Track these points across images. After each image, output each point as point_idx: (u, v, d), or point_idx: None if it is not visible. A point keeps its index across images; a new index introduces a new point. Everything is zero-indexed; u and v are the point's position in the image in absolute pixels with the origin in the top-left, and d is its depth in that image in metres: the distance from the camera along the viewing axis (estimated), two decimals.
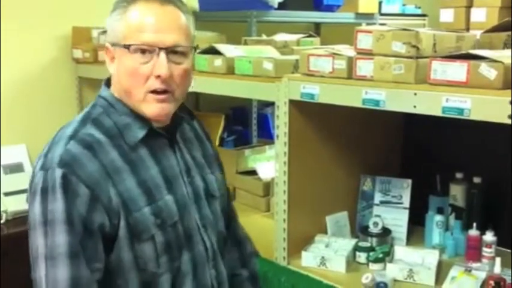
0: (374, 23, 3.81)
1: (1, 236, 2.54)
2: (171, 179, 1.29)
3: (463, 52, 1.58)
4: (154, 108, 1.24)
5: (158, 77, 1.22)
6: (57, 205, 1.15)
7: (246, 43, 2.66)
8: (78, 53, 3.14)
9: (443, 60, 1.56)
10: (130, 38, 1.22)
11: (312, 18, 3.77)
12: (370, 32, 1.73)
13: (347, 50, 1.92)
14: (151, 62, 1.22)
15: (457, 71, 1.52)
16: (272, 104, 3.67)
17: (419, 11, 4.71)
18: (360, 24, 4.02)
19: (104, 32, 2.99)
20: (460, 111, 1.51)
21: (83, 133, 1.22)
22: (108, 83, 1.33)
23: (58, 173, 1.15)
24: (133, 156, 1.24)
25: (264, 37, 2.74)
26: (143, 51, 1.21)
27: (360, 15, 3.86)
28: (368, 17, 3.90)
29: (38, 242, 1.17)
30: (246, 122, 3.53)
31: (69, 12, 3.14)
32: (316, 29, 4.12)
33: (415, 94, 1.62)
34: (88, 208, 1.16)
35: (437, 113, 1.57)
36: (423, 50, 1.63)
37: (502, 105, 1.42)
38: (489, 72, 1.45)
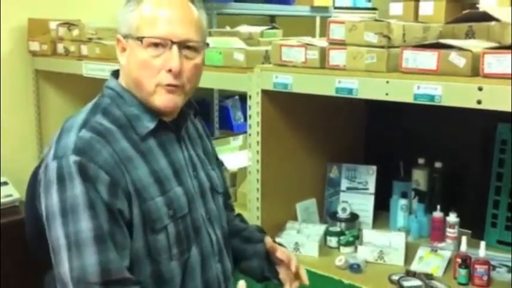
0: (329, 16, 3.90)
1: None
2: (179, 172, 1.29)
3: (433, 41, 1.65)
4: (164, 99, 1.24)
5: (169, 71, 1.21)
6: (77, 191, 1.13)
7: (210, 35, 2.67)
8: (35, 46, 3.06)
9: (415, 49, 1.63)
10: (143, 30, 1.22)
11: (270, 10, 3.84)
12: (342, 22, 1.79)
13: (316, 41, 1.97)
14: (163, 55, 1.22)
15: (428, 59, 1.59)
16: (232, 96, 3.73)
17: (370, 5, 4.84)
18: (314, 17, 4.12)
19: (63, 24, 2.95)
20: (431, 97, 1.59)
21: (94, 121, 1.22)
22: (115, 73, 1.32)
23: (74, 159, 1.14)
24: (143, 146, 1.24)
25: (228, 29, 2.75)
26: (156, 45, 1.21)
27: (315, 9, 3.95)
28: (323, 10, 3.99)
29: (57, 233, 1.14)
30: (207, 115, 3.55)
31: (24, 3, 3.05)
32: (271, 21, 4.18)
33: (387, 82, 1.68)
34: (109, 193, 1.15)
35: (409, 100, 1.64)
36: (394, 40, 1.70)
37: (471, 91, 1.51)
38: (459, 60, 1.53)
